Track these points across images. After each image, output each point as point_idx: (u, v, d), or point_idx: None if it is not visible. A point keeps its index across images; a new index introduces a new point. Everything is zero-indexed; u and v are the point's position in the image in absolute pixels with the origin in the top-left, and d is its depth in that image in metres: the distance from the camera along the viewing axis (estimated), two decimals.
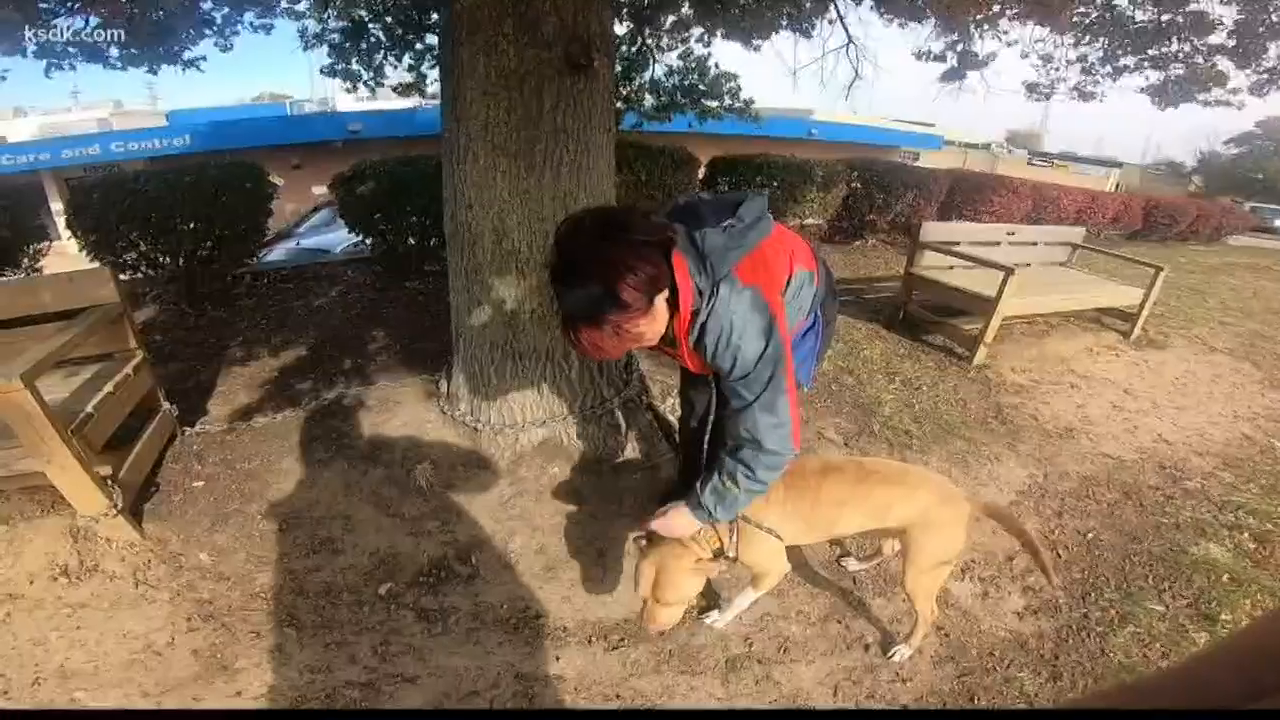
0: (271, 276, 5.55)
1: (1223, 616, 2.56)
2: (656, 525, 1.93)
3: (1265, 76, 5.63)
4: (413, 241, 5.44)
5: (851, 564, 2.66)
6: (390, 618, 2.33)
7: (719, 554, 2.02)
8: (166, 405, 3.08)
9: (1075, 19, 6.30)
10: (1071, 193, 9.61)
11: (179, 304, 4.82)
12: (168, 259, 4.56)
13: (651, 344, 1.60)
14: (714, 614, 2.39)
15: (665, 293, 1.47)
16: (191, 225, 4.45)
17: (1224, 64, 5.75)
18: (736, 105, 7.68)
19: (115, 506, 2.44)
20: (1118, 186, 13.46)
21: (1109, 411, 4.55)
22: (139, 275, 4.70)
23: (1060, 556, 2.95)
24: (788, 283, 1.76)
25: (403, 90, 6.63)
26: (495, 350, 2.90)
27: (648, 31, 6.72)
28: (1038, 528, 3.13)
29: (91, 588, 2.32)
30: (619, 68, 6.73)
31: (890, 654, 2.30)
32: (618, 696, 2.12)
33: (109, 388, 2.67)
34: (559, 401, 3.01)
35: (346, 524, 2.68)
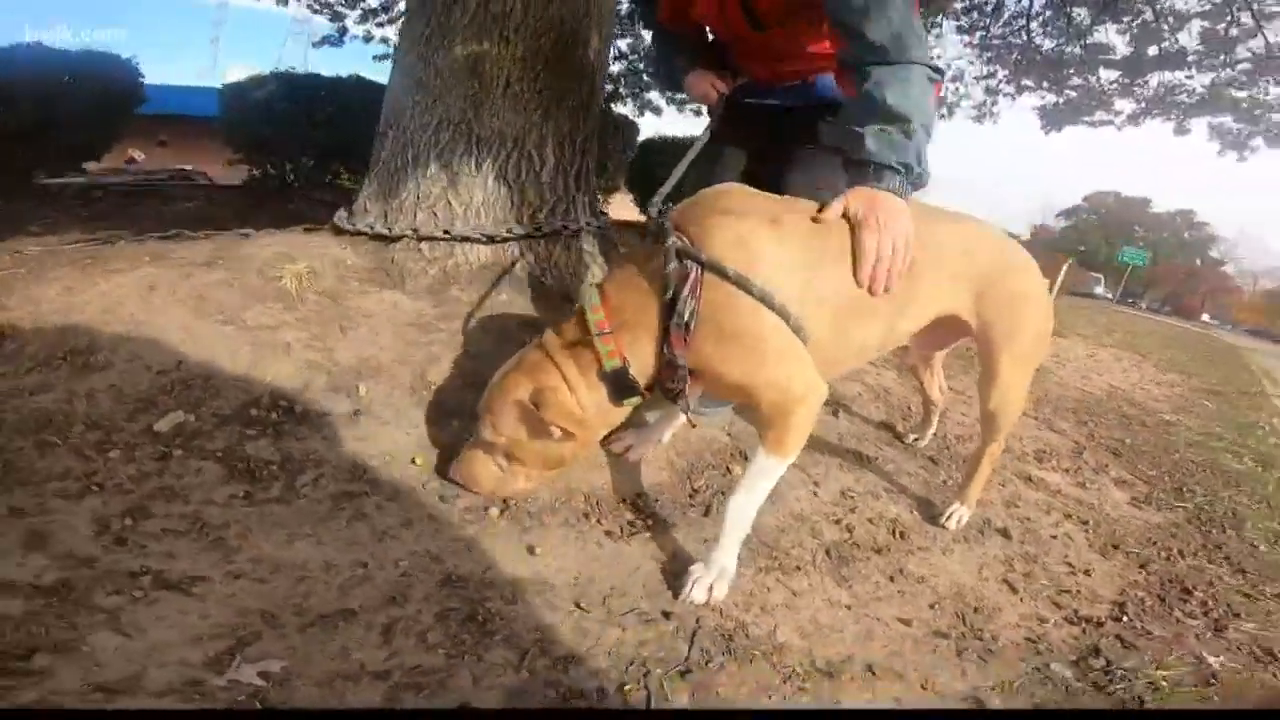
0: (109, 191, 3.79)
1: None
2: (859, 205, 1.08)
3: (1143, 106, 5.97)
4: (311, 162, 3.96)
5: (916, 439, 1.92)
6: (166, 470, 1.01)
7: (619, 381, 1.05)
8: None
9: (994, 41, 6.45)
10: None
11: None
12: None
13: None
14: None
15: None
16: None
17: (1110, 89, 6.06)
18: (679, 97, 7.04)
19: None
20: None
21: (1053, 365, 4.25)
22: None
23: (1119, 456, 2.42)
24: None
25: None
26: (445, 130, 1.89)
27: None
28: (1071, 430, 2.61)
29: None
30: None
31: (947, 515, 1.47)
32: (664, 616, 0.97)
33: None
34: (519, 208, 1.91)
35: (131, 332, 1.32)
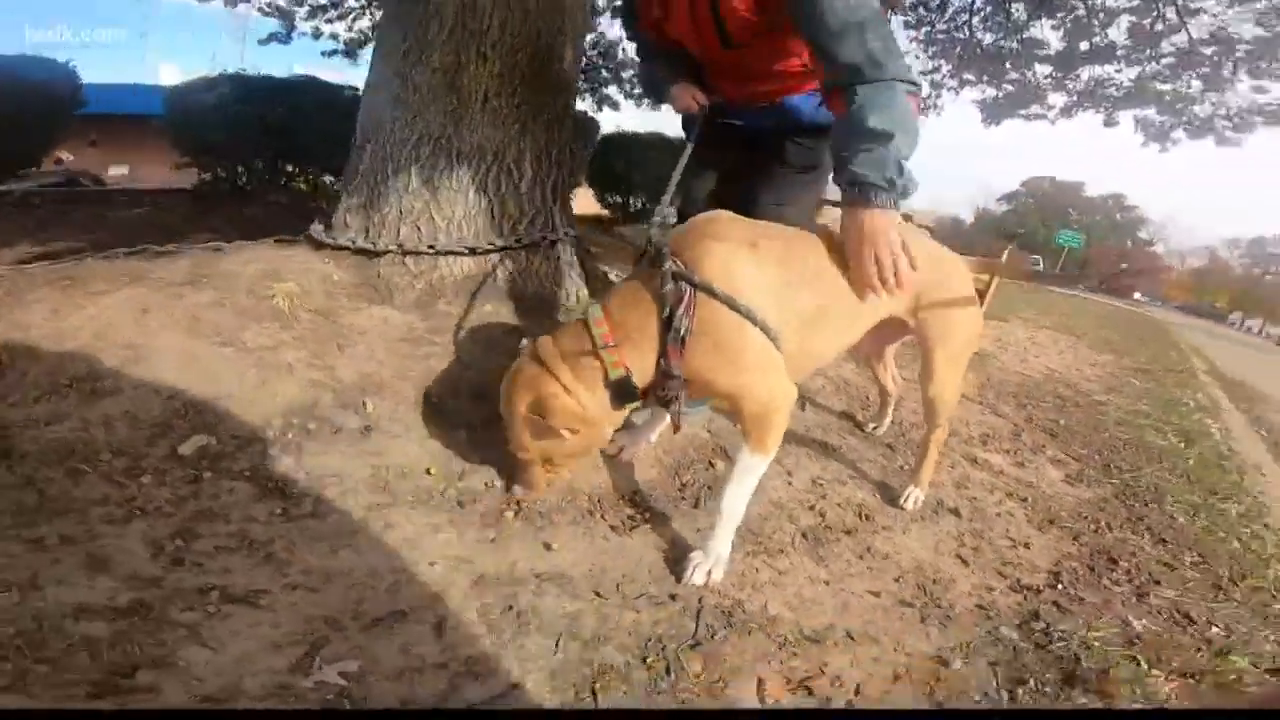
0: (47, 198, 3.64)
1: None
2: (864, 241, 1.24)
3: (1075, 99, 6.38)
4: (260, 164, 3.91)
5: (874, 428, 2.12)
6: (201, 492, 1.09)
7: (621, 388, 1.16)
8: None
9: (939, 35, 6.77)
10: None
11: None
12: None
13: None
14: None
15: None
16: None
17: (1045, 84, 6.47)
18: (636, 91, 7.07)
19: None
20: None
21: (996, 349, 4.58)
22: None
23: (1055, 436, 2.68)
24: None
25: None
26: (425, 145, 1.96)
27: None
28: (1012, 413, 2.88)
29: None
30: None
31: (904, 498, 1.67)
32: (671, 598, 1.12)
33: None
34: (499, 220, 2.00)
35: (130, 356, 1.36)
